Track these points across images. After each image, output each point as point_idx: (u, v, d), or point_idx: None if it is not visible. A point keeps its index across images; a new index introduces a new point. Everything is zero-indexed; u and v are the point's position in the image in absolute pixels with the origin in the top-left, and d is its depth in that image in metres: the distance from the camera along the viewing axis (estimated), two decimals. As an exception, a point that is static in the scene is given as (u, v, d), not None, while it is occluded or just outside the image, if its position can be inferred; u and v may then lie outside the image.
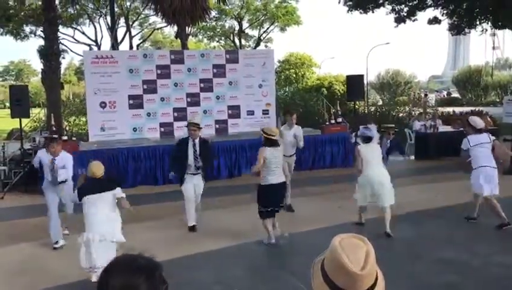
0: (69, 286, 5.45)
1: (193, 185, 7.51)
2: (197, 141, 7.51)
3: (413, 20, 21.37)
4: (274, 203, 6.72)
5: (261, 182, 6.73)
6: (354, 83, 13.96)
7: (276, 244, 6.66)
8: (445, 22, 21.67)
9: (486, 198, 7.23)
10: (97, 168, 5.68)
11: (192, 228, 7.50)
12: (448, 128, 14.37)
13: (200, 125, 7.70)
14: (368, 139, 7.32)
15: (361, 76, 14.75)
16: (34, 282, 5.51)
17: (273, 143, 6.70)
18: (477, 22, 21.25)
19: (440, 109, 24.83)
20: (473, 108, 25.07)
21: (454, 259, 5.87)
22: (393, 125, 10.42)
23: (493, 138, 7.60)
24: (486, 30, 21.94)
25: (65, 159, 7.00)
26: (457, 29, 21.94)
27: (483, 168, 7.19)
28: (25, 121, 12.78)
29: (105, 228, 5.43)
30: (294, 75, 39.75)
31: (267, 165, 6.61)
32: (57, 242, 6.68)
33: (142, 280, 1.45)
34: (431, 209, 8.30)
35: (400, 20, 21.41)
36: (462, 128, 13.76)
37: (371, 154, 7.24)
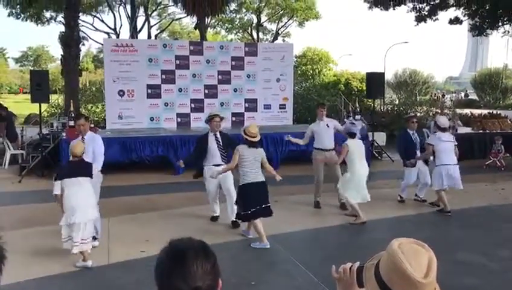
0: (84, 271, 5.47)
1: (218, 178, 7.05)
2: (218, 133, 7.44)
3: (434, 20, 21.09)
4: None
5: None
6: (374, 80, 13.78)
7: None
8: (466, 23, 21.38)
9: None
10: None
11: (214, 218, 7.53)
12: (467, 130, 14.16)
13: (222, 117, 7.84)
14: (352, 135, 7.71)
15: (382, 74, 14.59)
16: (49, 266, 5.53)
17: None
18: (500, 24, 20.93)
19: (457, 110, 24.50)
20: (490, 110, 24.69)
21: (472, 262, 5.79)
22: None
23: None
24: (509, 32, 21.60)
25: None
26: (478, 30, 21.59)
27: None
28: (42, 106, 12.86)
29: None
30: (310, 71, 39.49)
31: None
32: None
33: (212, 263, 1.46)
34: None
35: (420, 18, 21.13)
36: (482, 130, 13.63)
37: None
